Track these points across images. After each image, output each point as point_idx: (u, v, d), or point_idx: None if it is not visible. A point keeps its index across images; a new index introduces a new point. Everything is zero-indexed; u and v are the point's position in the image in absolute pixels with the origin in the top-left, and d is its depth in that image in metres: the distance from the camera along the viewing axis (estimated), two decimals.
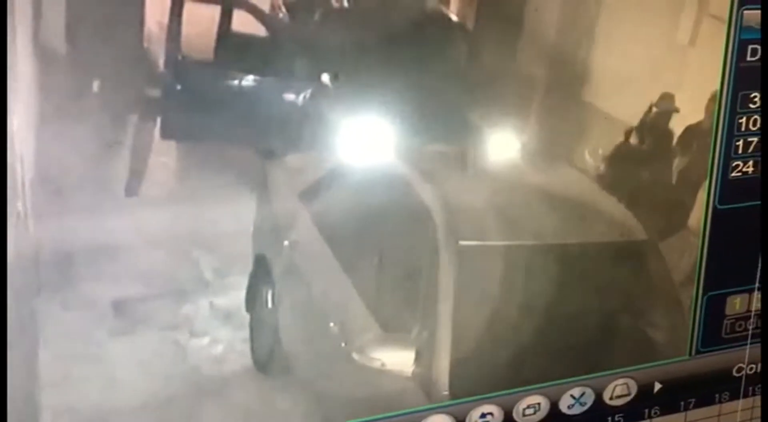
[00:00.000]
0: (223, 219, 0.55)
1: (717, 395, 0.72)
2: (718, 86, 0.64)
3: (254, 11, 0.53)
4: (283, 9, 0.54)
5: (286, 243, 0.60)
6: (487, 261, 0.62)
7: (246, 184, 0.56)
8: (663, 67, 0.64)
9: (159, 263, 0.54)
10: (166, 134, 0.52)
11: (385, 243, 0.60)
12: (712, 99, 0.65)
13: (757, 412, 0.74)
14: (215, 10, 0.53)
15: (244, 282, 0.58)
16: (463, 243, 0.61)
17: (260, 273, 0.59)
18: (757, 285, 0.70)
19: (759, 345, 0.72)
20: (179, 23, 0.51)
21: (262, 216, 0.58)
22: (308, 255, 0.61)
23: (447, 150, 0.62)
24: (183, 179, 0.55)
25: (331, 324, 0.62)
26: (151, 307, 0.55)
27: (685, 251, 0.68)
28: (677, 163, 0.67)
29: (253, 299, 0.59)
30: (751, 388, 0.73)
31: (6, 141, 0.47)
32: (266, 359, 0.60)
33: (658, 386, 0.69)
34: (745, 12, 0.63)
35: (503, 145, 0.62)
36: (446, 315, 0.60)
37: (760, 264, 0.68)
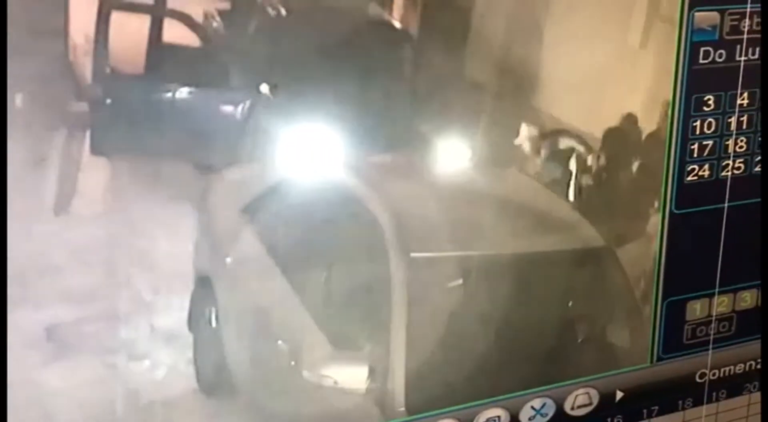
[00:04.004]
0: (160, 236, 0.54)
1: (680, 402, 0.72)
2: (671, 89, 0.64)
3: (186, 20, 0.52)
4: (217, 18, 0.52)
5: (228, 259, 0.59)
6: (440, 272, 0.61)
7: (184, 199, 0.55)
8: (614, 72, 0.64)
9: (93, 284, 0.52)
10: (96, 150, 0.51)
11: (333, 258, 0.59)
12: (665, 103, 0.64)
13: (721, 418, 0.74)
14: (144, 20, 0.52)
15: (185, 301, 0.56)
16: (414, 255, 0.60)
17: (202, 292, 0.58)
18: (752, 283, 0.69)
19: (721, 350, 0.72)
20: (106, 34, 0.49)
21: (202, 232, 0.56)
22: (253, 271, 0.59)
23: (394, 160, 0.61)
24: (116, 196, 0.53)
25: (280, 343, 0.60)
26: (87, 331, 0.53)
27: (643, 257, 0.67)
28: (632, 168, 0.66)
29: (195, 319, 0.57)
30: (714, 394, 0.73)
31: (6, 141, 0.45)
32: (212, 381, 0.59)
33: (620, 394, 0.69)
34: (697, 14, 0.62)
35: (452, 153, 0.61)
36: (399, 330, 0.59)
37: (761, 264, 0.68)
